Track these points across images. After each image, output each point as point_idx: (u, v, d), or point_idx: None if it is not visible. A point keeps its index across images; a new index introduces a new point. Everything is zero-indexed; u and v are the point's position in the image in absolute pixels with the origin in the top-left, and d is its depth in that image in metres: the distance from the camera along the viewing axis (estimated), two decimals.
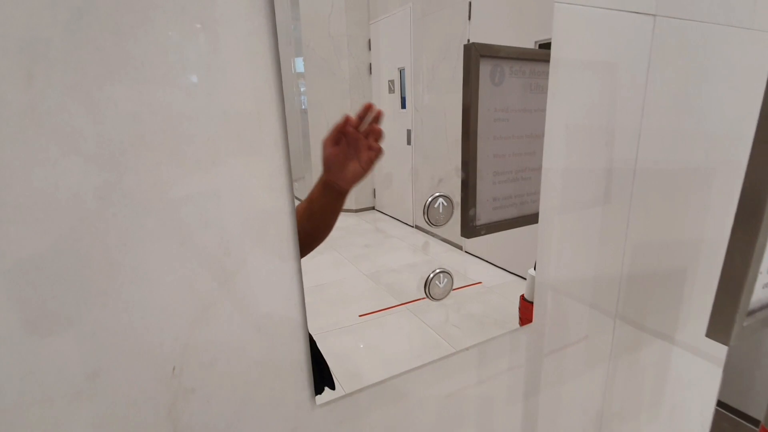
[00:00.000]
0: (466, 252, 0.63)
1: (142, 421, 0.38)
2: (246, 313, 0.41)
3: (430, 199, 0.44)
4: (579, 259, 0.69)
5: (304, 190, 0.46)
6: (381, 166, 0.65)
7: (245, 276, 0.40)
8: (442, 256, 0.63)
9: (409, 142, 0.65)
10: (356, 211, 0.64)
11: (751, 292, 0.36)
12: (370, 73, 0.63)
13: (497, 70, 0.57)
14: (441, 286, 0.52)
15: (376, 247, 0.64)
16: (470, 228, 0.56)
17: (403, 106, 0.64)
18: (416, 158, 0.65)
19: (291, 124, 0.42)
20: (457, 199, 0.52)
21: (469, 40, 0.54)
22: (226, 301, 0.39)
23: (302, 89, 0.67)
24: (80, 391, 0.35)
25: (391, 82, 0.64)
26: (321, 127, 0.47)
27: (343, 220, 0.51)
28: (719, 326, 0.38)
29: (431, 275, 0.51)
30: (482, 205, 0.58)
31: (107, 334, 0.35)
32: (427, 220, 0.44)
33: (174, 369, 0.37)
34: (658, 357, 0.92)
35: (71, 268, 0.32)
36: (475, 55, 0.55)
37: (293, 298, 0.43)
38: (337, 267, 0.51)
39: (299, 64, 0.68)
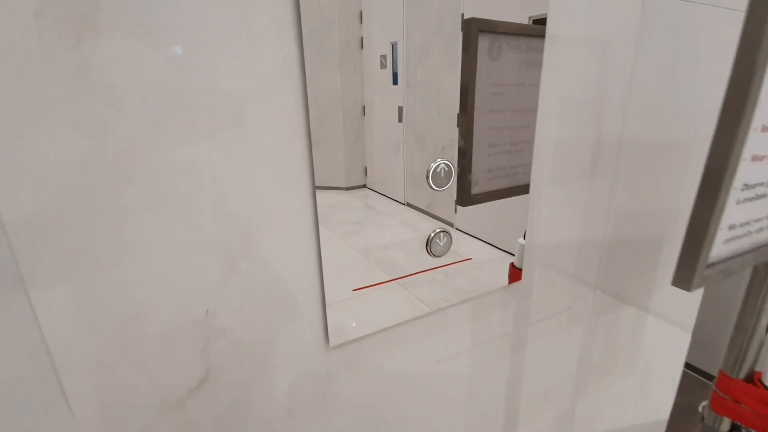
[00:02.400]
0: (457, 229, 0.65)
1: (179, 362, 0.43)
2: (269, 266, 0.45)
3: (434, 166, 0.48)
4: (565, 229, 0.75)
5: None
6: (373, 144, 0.64)
7: (268, 234, 0.44)
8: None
9: (400, 120, 0.63)
10: (347, 189, 0.63)
11: (710, 246, 0.41)
12: (362, 47, 0.61)
13: (495, 45, 0.60)
14: (441, 244, 0.56)
15: (367, 224, 0.63)
16: (467, 196, 0.61)
17: (395, 82, 0.63)
18: (408, 135, 0.63)
19: None
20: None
21: (463, 15, 0.55)
22: (251, 256, 0.44)
23: None
24: (124, 334, 0.39)
25: (383, 57, 0.62)
26: (310, 103, 0.48)
27: (333, 197, 0.52)
28: (682, 275, 0.43)
29: (432, 234, 0.56)
30: (477, 175, 0.62)
31: (147, 282, 0.39)
32: (430, 184, 0.48)
33: (207, 312, 0.42)
34: (633, 321, 0.99)
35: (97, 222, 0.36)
36: (474, 30, 0.57)
37: (311, 253, 0.48)
38: (328, 243, 0.52)
39: None
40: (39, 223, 0.33)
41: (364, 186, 0.66)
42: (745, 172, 0.39)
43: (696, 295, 1.15)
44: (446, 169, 0.49)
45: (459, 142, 0.59)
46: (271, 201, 0.43)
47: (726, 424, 0.65)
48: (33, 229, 0.33)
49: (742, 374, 0.62)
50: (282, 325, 0.48)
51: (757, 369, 0.62)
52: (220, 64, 0.38)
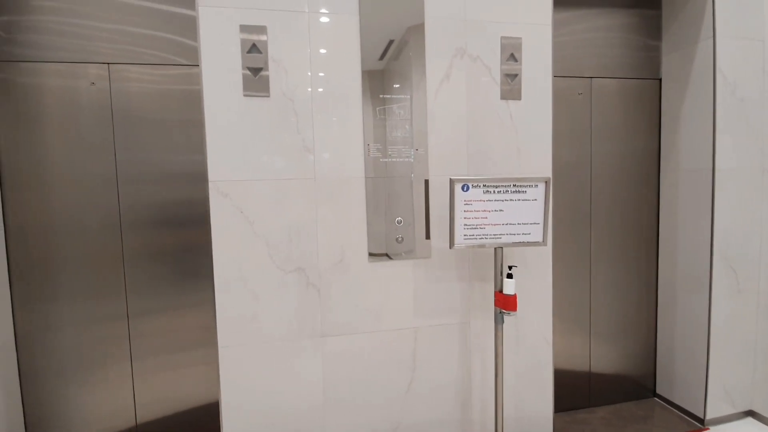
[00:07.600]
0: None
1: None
2: (356, 250, 1.85)
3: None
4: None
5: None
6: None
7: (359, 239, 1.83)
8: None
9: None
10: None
11: (454, 240, 1.75)
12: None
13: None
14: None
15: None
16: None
17: None
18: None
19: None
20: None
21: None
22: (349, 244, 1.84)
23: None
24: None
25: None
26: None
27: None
28: (451, 246, 1.79)
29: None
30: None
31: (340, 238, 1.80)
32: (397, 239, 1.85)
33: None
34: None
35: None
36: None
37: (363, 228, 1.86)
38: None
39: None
40: None
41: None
42: (462, 221, 1.74)
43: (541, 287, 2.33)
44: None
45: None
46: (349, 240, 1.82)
47: (498, 310, 1.92)
48: None
49: (498, 289, 1.90)
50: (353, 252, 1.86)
51: (501, 289, 1.89)
52: (342, 160, 1.78)
